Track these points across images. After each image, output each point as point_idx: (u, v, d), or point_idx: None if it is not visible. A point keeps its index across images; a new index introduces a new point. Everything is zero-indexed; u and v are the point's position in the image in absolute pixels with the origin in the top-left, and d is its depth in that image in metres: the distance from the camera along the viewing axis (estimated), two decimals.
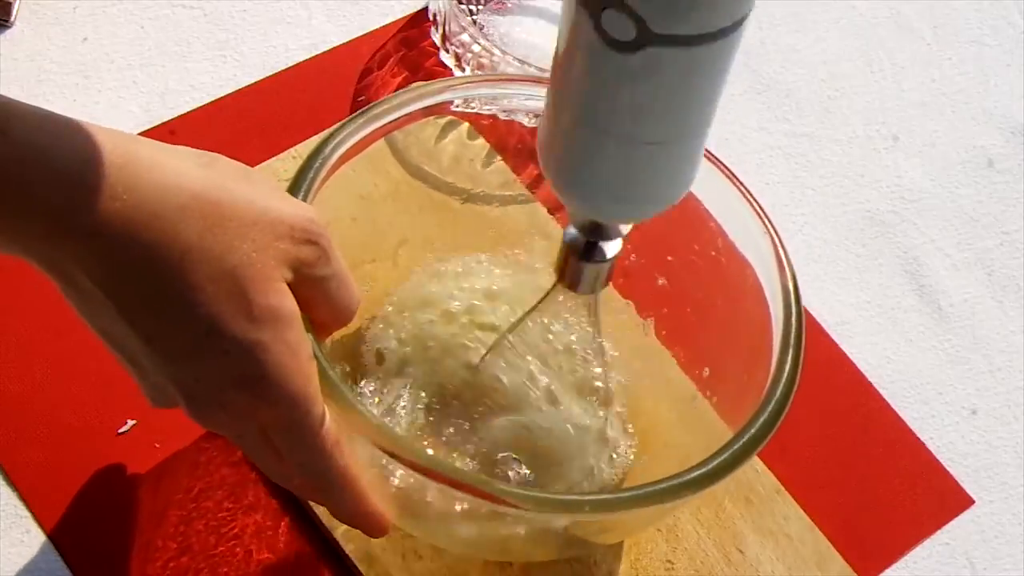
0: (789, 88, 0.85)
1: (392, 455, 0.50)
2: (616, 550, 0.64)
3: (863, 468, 0.70)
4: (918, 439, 0.72)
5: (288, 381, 0.48)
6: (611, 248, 0.52)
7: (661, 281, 0.65)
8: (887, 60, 0.88)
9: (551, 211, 0.69)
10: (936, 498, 0.70)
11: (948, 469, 0.71)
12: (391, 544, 0.61)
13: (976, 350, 0.76)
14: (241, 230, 0.47)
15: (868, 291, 0.78)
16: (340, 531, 0.61)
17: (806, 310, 0.74)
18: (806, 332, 0.57)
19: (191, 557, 0.60)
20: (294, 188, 0.55)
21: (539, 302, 0.58)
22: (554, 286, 0.55)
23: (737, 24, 0.43)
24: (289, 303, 0.48)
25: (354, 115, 0.58)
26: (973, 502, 0.71)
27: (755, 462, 0.67)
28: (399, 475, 0.52)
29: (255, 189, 0.48)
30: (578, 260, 0.52)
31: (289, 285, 0.48)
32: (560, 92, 0.46)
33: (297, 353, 0.48)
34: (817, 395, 0.72)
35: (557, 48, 0.46)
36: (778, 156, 0.82)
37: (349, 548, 0.61)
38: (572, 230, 0.52)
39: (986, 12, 0.91)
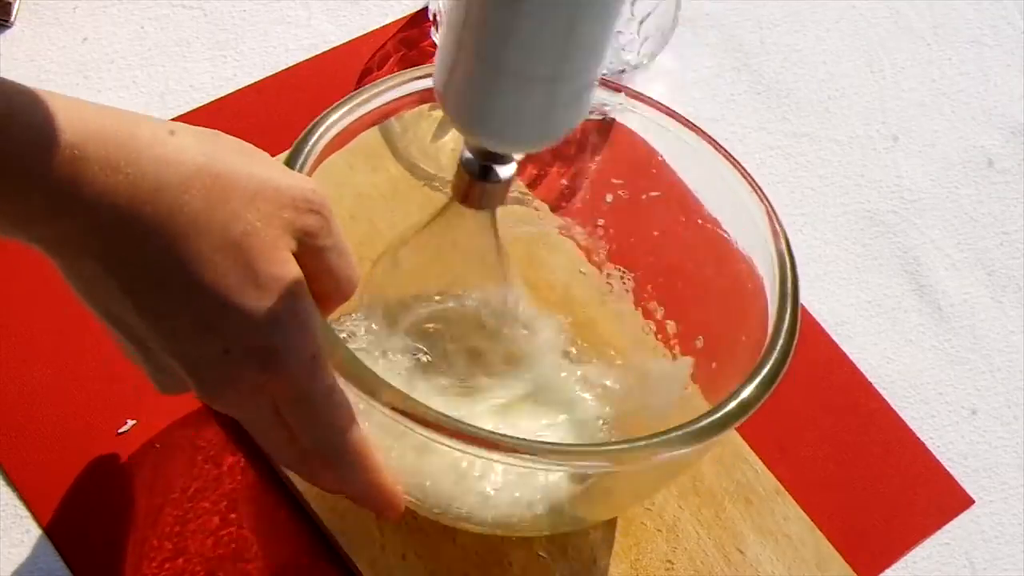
0: (789, 88, 0.85)
1: (406, 414, 0.50)
2: (616, 550, 0.64)
3: (863, 468, 0.70)
4: (918, 439, 0.72)
5: (299, 351, 0.48)
6: (505, 171, 0.53)
7: (649, 258, 0.66)
8: (887, 60, 0.88)
9: (551, 210, 0.69)
10: (936, 498, 0.70)
11: (948, 469, 0.71)
12: (391, 544, 0.61)
13: (976, 350, 0.76)
14: (244, 200, 0.46)
15: (868, 291, 0.78)
16: (340, 532, 0.61)
17: (806, 310, 0.75)
18: (803, 324, 0.58)
19: (187, 559, 0.60)
20: None
21: (433, 218, 0.59)
22: (449, 202, 0.56)
23: None
24: (296, 272, 0.48)
25: (340, 101, 0.58)
26: (973, 502, 0.71)
27: (755, 462, 0.67)
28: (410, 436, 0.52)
29: (256, 162, 0.48)
30: (474, 180, 0.53)
31: (293, 255, 0.48)
32: (455, 31, 0.48)
33: (306, 322, 0.48)
34: (817, 395, 0.72)
35: None
36: (778, 156, 0.82)
37: (349, 548, 0.61)
38: (467, 153, 0.53)
39: (986, 12, 0.91)
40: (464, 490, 0.57)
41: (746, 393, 0.54)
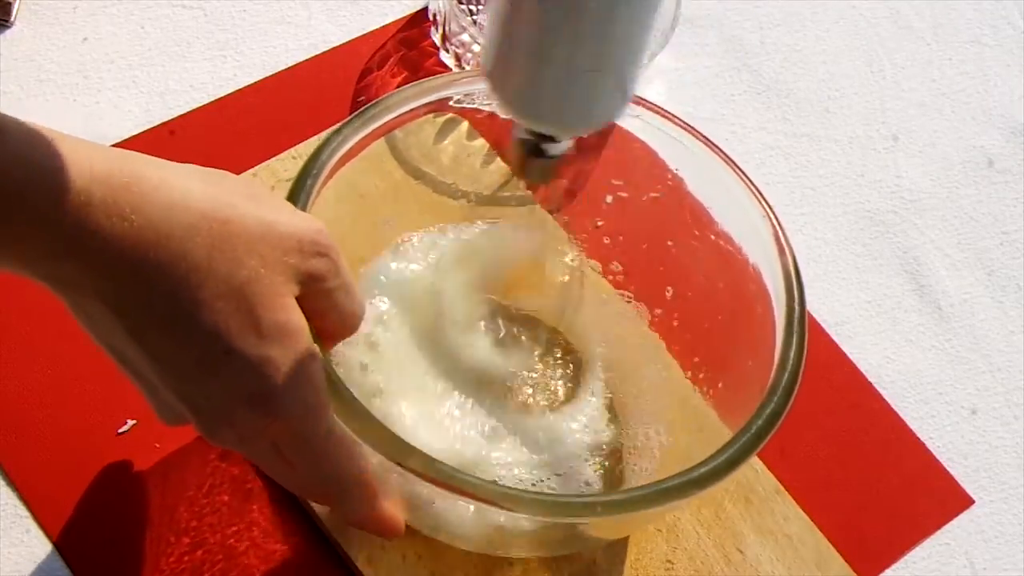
0: (789, 88, 0.85)
1: (401, 465, 0.50)
2: (616, 550, 0.64)
3: (863, 468, 0.70)
4: (918, 439, 0.72)
5: (298, 396, 0.48)
6: (556, 148, 0.55)
7: (659, 267, 0.65)
8: (887, 60, 0.88)
9: (551, 211, 0.69)
10: (936, 498, 0.70)
11: (948, 469, 0.71)
12: (391, 544, 0.61)
13: (976, 350, 0.76)
14: (249, 246, 0.46)
15: (868, 291, 0.78)
16: (341, 533, 0.61)
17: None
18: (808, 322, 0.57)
19: (206, 551, 0.60)
20: (294, 194, 0.55)
21: (498, 188, 0.62)
22: (510, 178, 0.58)
23: None
24: (297, 318, 0.48)
25: (351, 118, 0.58)
26: (973, 502, 0.71)
27: (755, 462, 0.67)
28: (406, 477, 0.52)
29: (262, 205, 0.48)
30: (527, 156, 0.56)
31: (297, 298, 0.48)
32: (503, 23, 0.51)
33: (306, 367, 0.48)
34: (817, 395, 0.72)
35: None
36: (778, 156, 0.82)
37: (349, 548, 0.61)
38: (521, 132, 0.55)
39: (986, 12, 0.91)
40: (471, 522, 0.57)
41: (746, 437, 0.54)
